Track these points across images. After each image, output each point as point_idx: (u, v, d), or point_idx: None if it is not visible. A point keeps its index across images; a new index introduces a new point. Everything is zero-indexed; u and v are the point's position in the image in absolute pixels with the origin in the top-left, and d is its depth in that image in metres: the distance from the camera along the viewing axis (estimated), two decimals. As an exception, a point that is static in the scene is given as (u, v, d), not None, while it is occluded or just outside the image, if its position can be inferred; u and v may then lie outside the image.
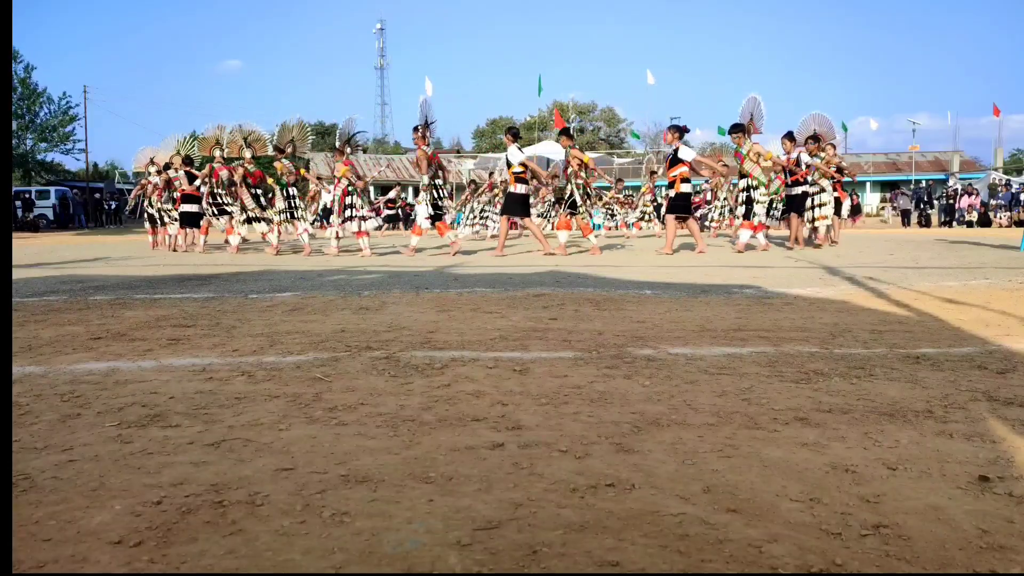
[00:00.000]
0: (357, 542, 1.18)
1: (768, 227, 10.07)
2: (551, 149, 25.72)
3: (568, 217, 9.52)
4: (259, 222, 10.42)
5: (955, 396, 2.05)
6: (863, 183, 38.44)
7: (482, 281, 5.57)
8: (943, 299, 4.18)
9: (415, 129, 9.15)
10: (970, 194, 24.45)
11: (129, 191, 34.14)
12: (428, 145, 9.17)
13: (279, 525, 1.24)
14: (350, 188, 9.75)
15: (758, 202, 9.54)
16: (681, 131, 9.20)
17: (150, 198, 12.20)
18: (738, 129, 9.57)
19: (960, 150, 40.41)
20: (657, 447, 1.64)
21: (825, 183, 10.17)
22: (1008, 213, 23.02)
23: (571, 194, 9.39)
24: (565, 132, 9.94)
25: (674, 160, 9.15)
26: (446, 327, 3.29)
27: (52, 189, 31.69)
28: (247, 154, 10.53)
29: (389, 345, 2.85)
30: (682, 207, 9.22)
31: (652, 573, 1.08)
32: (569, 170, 9.43)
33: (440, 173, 9.33)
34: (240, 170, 10.40)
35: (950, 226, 22.86)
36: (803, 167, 9.93)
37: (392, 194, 24.20)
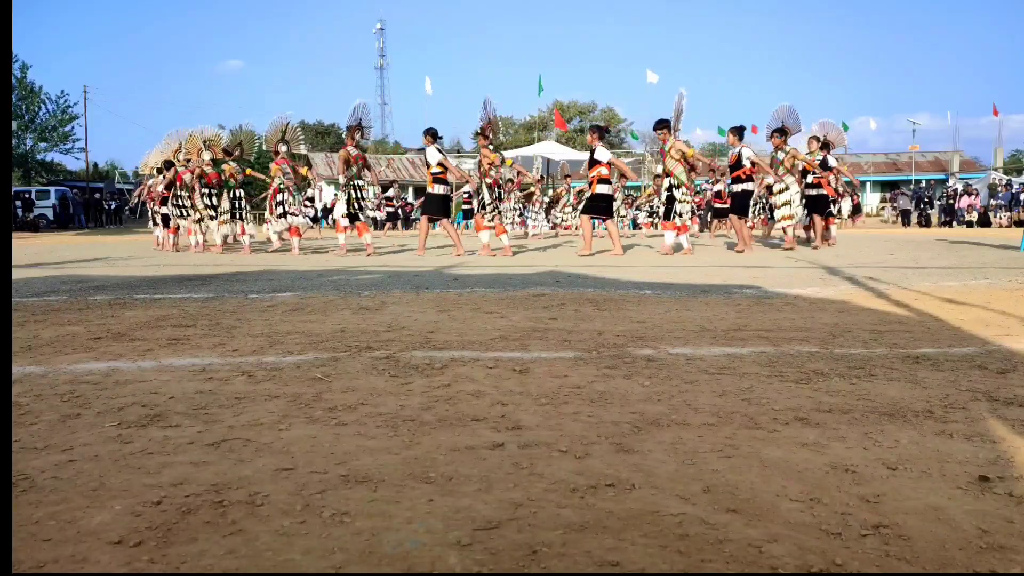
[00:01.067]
0: (357, 542, 1.18)
1: (688, 228, 9.30)
2: (551, 149, 25.73)
3: (481, 217, 9.39)
4: (212, 220, 10.81)
5: (955, 396, 2.05)
6: (863, 183, 38.43)
7: (482, 281, 5.57)
8: (943, 299, 4.18)
9: (348, 129, 9.38)
10: (970, 194, 24.46)
11: (130, 191, 34.28)
12: (356, 146, 9.50)
13: (279, 525, 1.24)
14: (281, 187, 10.20)
15: (680, 201, 9.09)
16: (601, 131, 9.08)
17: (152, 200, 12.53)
18: (662, 125, 9.14)
19: (960, 150, 40.40)
20: (657, 447, 1.64)
21: (789, 180, 9.59)
22: (1008, 213, 23.02)
23: (481, 194, 9.35)
24: (482, 132, 9.29)
25: (592, 161, 9.02)
26: (446, 327, 3.29)
27: (52, 189, 31.68)
28: (205, 156, 10.79)
29: (389, 345, 2.85)
30: (602, 208, 9.10)
31: (652, 573, 1.08)
32: (481, 169, 9.35)
33: (366, 174, 9.67)
34: (196, 171, 10.69)
35: (950, 226, 22.86)
36: (747, 163, 9.32)
37: (391, 192, 24.16)
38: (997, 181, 25.78)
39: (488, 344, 2.87)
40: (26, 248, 12.66)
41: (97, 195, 34.26)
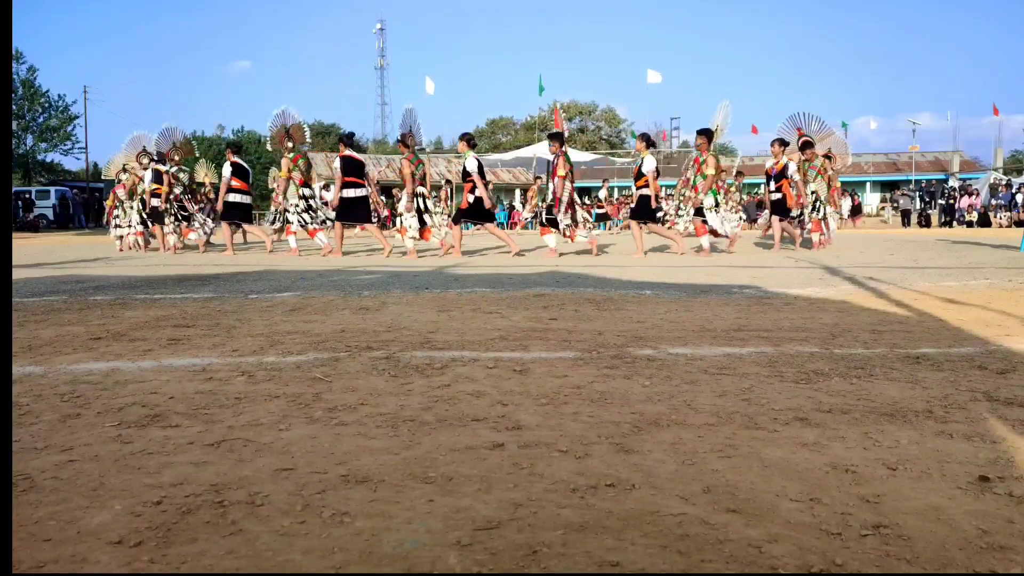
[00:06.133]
0: (357, 542, 1.18)
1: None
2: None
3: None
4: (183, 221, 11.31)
5: (955, 396, 2.05)
6: (863, 183, 38.45)
7: (482, 281, 5.57)
8: (943, 299, 4.18)
9: (401, 137, 9.39)
10: (970, 194, 24.46)
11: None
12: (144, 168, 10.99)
13: (279, 525, 1.24)
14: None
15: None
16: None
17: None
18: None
19: (960, 150, 40.42)
20: (657, 447, 1.64)
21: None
22: (1008, 213, 23.00)
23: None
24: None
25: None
26: (446, 327, 3.29)
27: (52, 189, 31.69)
28: (176, 156, 11.10)
29: (389, 345, 2.85)
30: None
31: (652, 573, 1.08)
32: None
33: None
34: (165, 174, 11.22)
35: (950, 226, 22.85)
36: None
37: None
38: (997, 181, 25.78)
39: (488, 344, 2.87)
40: (26, 248, 12.66)
41: (97, 195, 34.26)
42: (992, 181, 25.98)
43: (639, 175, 9.01)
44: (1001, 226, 21.86)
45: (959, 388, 2.14)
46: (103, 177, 14.32)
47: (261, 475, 1.47)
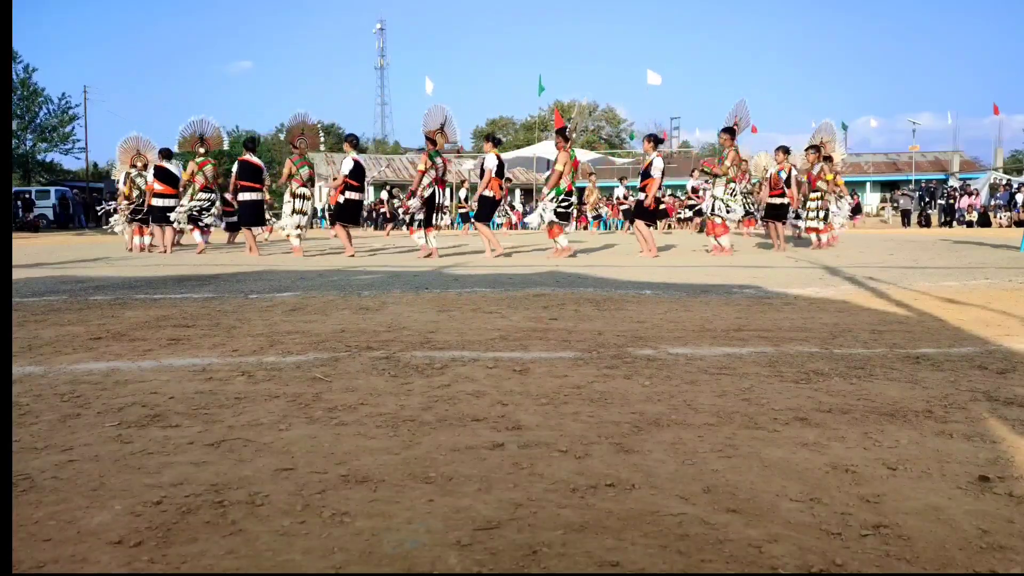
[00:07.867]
0: (357, 542, 1.18)
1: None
2: (550, 150, 25.77)
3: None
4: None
5: (955, 396, 2.05)
6: (863, 183, 38.44)
7: (482, 281, 5.57)
8: (943, 299, 4.18)
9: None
10: (970, 194, 24.48)
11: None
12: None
13: (279, 525, 1.24)
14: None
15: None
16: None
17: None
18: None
19: (960, 150, 40.40)
20: (657, 447, 1.64)
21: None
22: (1008, 213, 23.01)
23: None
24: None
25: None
26: (446, 327, 3.29)
27: (52, 189, 31.67)
28: (138, 163, 11.77)
29: (389, 345, 2.85)
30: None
31: (652, 573, 1.08)
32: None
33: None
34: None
35: (950, 226, 22.86)
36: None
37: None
38: (997, 181, 25.79)
39: (488, 344, 2.87)
40: (26, 248, 12.65)
41: (97, 195, 34.24)
42: (992, 181, 26.00)
43: (481, 173, 9.14)
44: (1001, 226, 21.86)
45: (959, 388, 2.14)
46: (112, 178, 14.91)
47: (261, 475, 1.47)
